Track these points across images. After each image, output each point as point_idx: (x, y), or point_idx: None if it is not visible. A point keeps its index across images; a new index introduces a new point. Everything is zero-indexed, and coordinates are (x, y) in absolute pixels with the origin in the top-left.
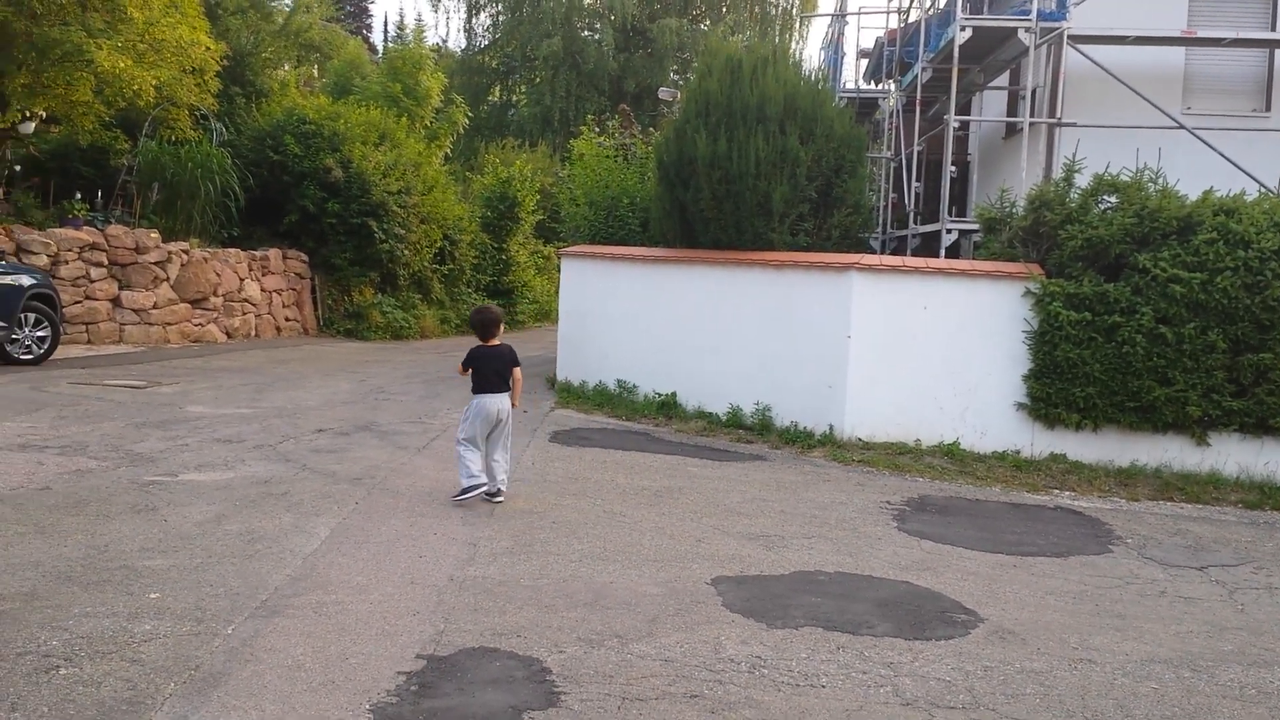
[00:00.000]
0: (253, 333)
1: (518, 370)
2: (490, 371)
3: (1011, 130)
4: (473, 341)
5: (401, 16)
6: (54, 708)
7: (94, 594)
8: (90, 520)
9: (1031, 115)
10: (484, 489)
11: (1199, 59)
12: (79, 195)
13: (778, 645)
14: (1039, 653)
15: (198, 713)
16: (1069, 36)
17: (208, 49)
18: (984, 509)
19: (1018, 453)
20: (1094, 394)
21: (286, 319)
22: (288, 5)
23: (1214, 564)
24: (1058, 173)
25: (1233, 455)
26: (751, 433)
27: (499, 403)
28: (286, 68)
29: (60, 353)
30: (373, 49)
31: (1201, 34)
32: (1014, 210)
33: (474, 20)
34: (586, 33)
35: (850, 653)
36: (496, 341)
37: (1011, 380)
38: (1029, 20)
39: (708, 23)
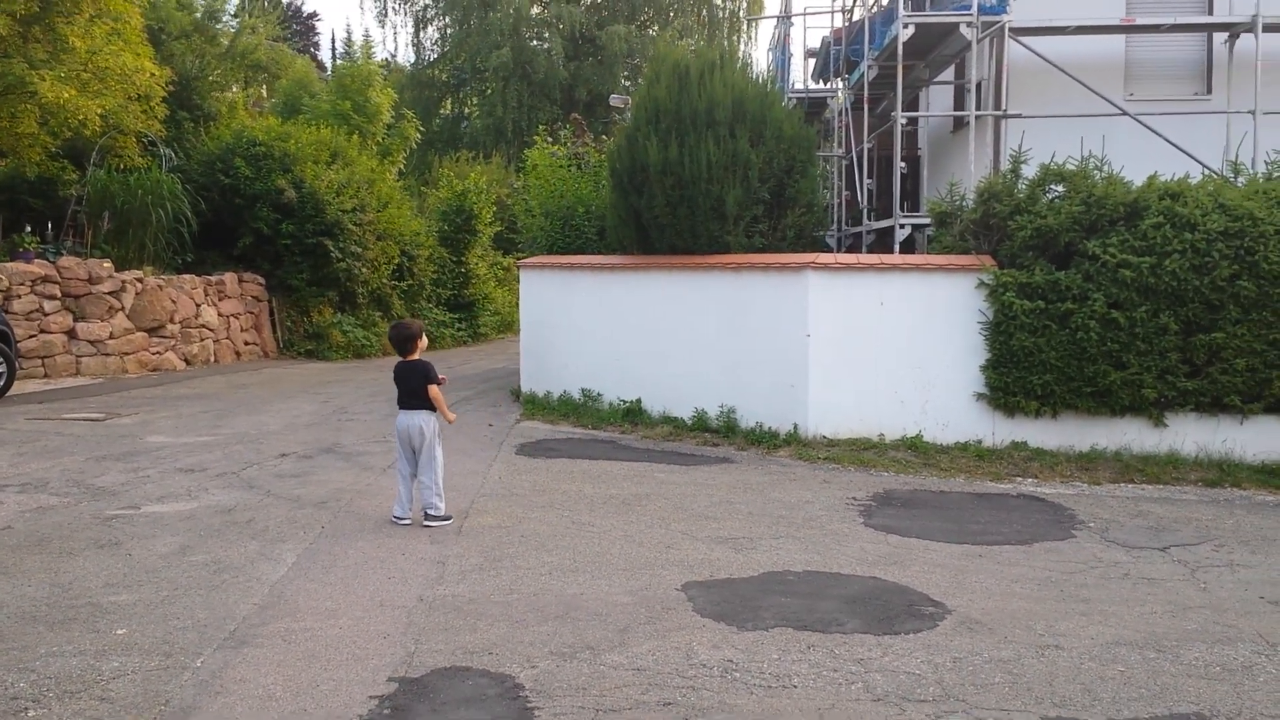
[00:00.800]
0: (212, 358)
1: (433, 388)
2: (404, 389)
3: (959, 124)
4: (436, 357)
5: (349, 33)
6: None
7: (60, 633)
8: (53, 558)
9: (977, 108)
10: (401, 521)
11: (1139, 46)
12: (29, 228)
13: (749, 648)
14: (1006, 641)
15: None
16: (1010, 29)
17: (152, 75)
18: (949, 500)
19: (980, 442)
20: (1051, 381)
21: (246, 343)
22: (233, 27)
23: (1176, 543)
24: (1005, 164)
25: (1190, 435)
26: (717, 435)
27: (409, 420)
28: (234, 89)
29: (16, 388)
30: (321, 67)
31: (1140, 21)
32: (964, 203)
33: (422, 34)
34: (535, 42)
35: (821, 651)
36: (416, 356)
37: (970, 371)
38: (970, 15)
39: (656, 28)
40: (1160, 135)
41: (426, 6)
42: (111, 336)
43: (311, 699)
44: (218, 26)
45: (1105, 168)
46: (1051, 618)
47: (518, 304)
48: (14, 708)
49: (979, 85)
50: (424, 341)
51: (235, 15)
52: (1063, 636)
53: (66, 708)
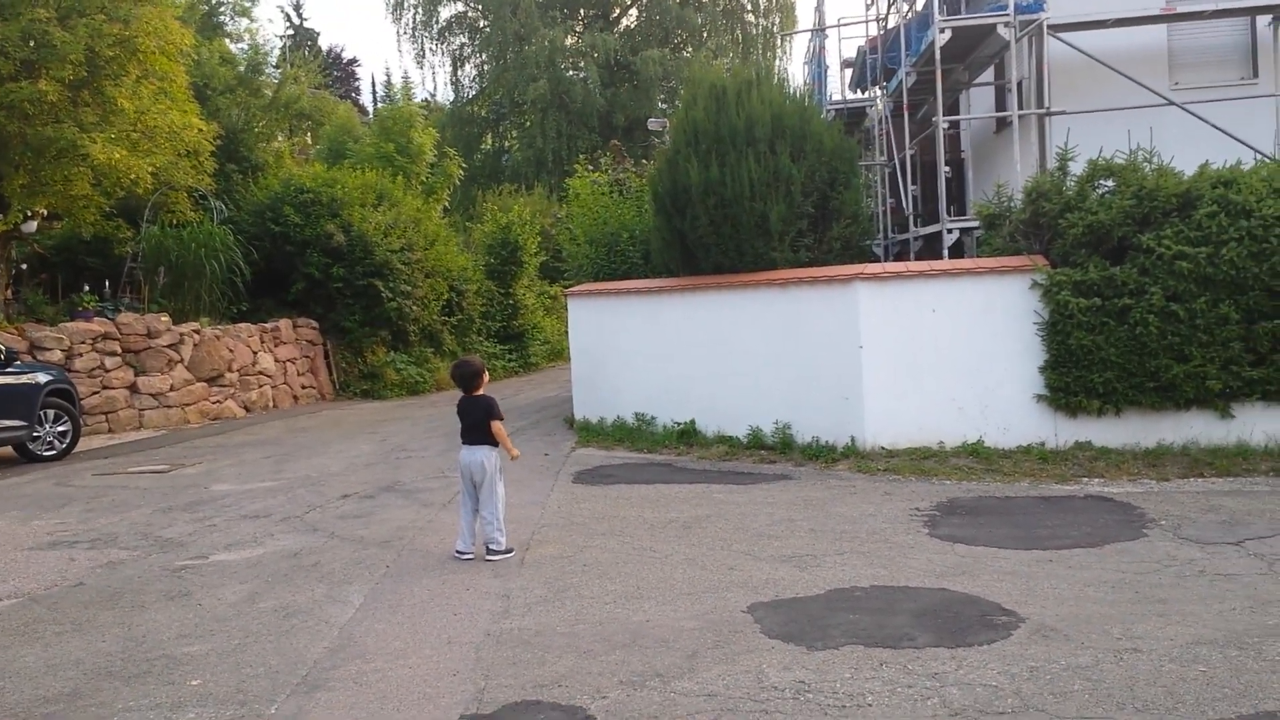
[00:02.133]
0: (270, 404)
1: (496, 424)
2: (467, 425)
3: (1002, 124)
4: (488, 389)
5: (389, 76)
6: None
7: (136, 687)
8: (125, 612)
9: (1020, 108)
10: (464, 556)
11: (1182, 34)
12: (87, 287)
13: (820, 668)
14: (1083, 647)
15: None
16: (1048, 26)
17: (200, 130)
18: (1014, 506)
19: (1042, 445)
20: (1112, 378)
21: (303, 386)
22: (275, 78)
23: (1250, 537)
24: (1051, 162)
25: (1258, 424)
26: (774, 452)
27: (470, 455)
28: (280, 139)
29: (82, 445)
30: (363, 110)
31: (1181, 9)
32: (1012, 204)
33: (460, 72)
34: (571, 72)
35: (894, 668)
36: (480, 392)
37: (1028, 373)
38: (1007, 15)
39: (690, 50)
40: (1208, 123)
41: (463, 45)
42: (172, 388)
43: None
44: (261, 79)
45: (1155, 159)
46: (1128, 620)
47: (566, 332)
48: None
49: (1020, 84)
50: (486, 378)
51: (277, 66)
52: (1141, 639)
53: None
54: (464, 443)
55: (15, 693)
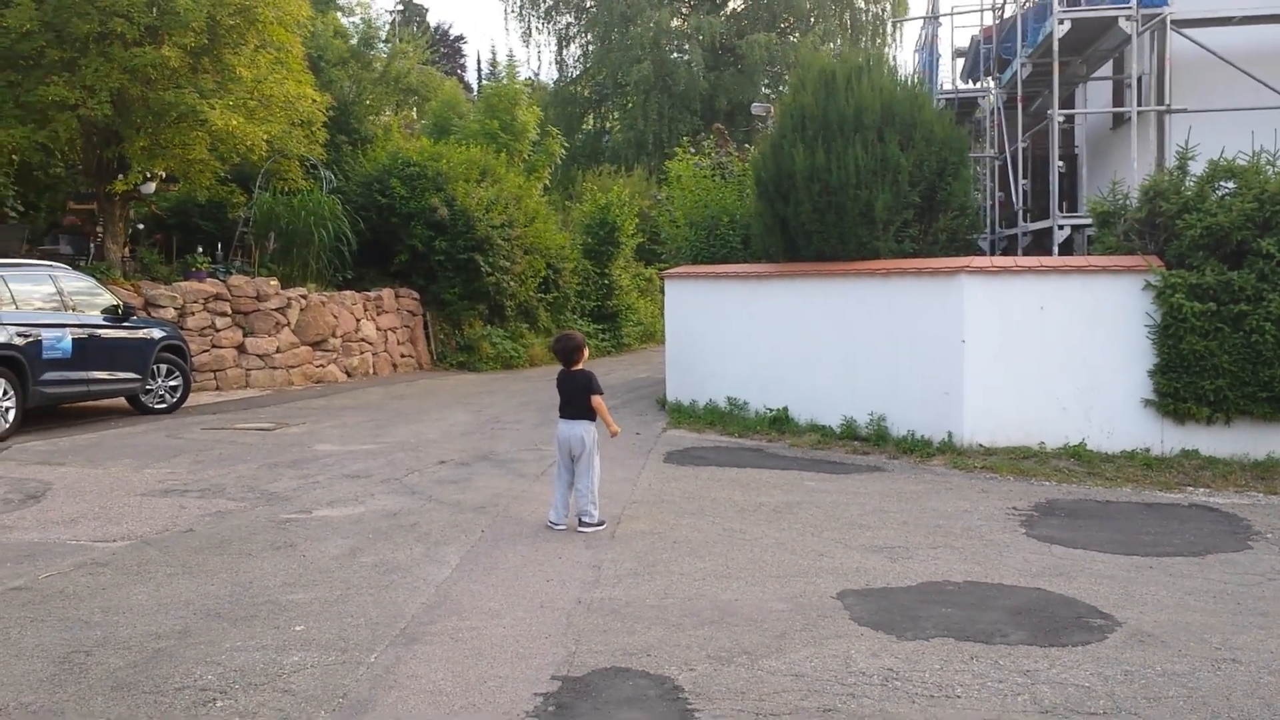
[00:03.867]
0: (370, 370)
1: (597, 399)
2: (566, 399)
3: (1119, 120)
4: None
5: (494, 54)
6: None
7: (243, 629)
8: (233, 559)
9: (1139, 104)
10: (556, 527)
11: None
12: (200, 249)
13: (909, 657)
14: (1180, 655)
15: None
16: (1172, 21)
17: (314, 101)
18: (1115, 510)
19: (1147, 451)
20: (1224, 386)
21: (402, 355)
22: (385, 53)
23: None
24: (1170, 161)
25: None
26: (867, 444)
27: (569, 429)
28: (388, 113)
29: (191, 400)
30: (468, 88)
31: None
32: (1127, 202)
33: (564, 52)
34: (675, 54)
35: (984, 662)
36: (579, 367)
37: (1136, 377)
38: (1130, 8)
39: (797, 35)
40: None
41: (569, 25)
42: (278, 350)
43: (480, 694)
44: (372, 53)
45: (1278, 163)
46: (1227, 631)
47: (660, 314)
48: (202, 699)
49: (1139, 80)
50: (586, 353)
51: (387, 40)
52: (1240, 650)
53: (251, 699)
54: (562, 416)
55: (128, 627)
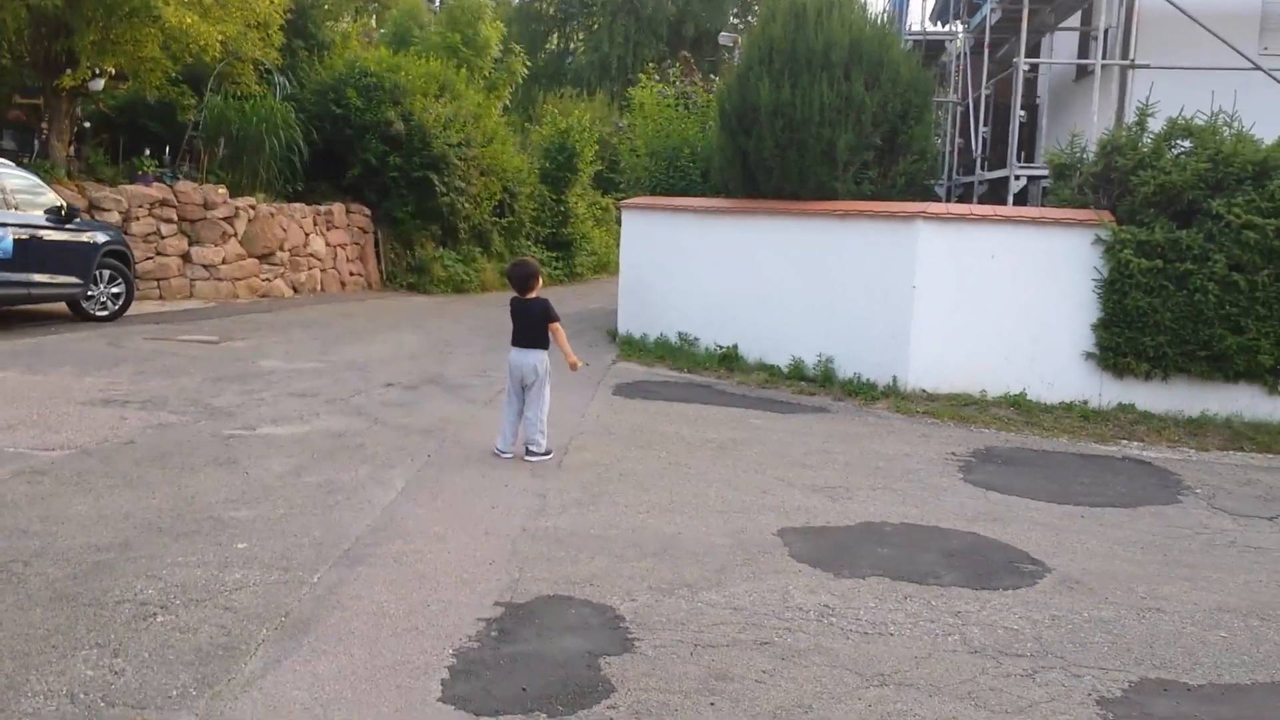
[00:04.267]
0: (318, 287)
1: (556, 327)
2: (520, 327)
3: (1082, 72)
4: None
5: None
6: (154, 653)
7: (184, 544)
8: (175, 473)
9: (1103, 57)
10: (503, 455)
11: None
12: (148, 151)
13: (845, 594)
14: (1107, 602)
15: (290, 657)
16: None
17: (272, 3)
18: (1051, 460)
19: (1085, 403)
20: (1164, 343)
21: (351, 273)
22: None
23: None
24: (1130, 116)
25: None
26: (814, 384)
27: (522, 358)
28: (346, 19)
29: (134, 308)
30: None
31: None
32: (1085, 155)
33: None
34: None
35: (918, 602)
36: (534, 295)
37: (1080, 329)
38: None
39: None
40: None
41: None
42: (224, 261)
43: (423, 617)
44: None
45: (1235, 124)
46: (1154, 581)
47: (615, 244)
48: (143, 613)
49: (1106, 33)
50: (541, 281)
51: None
52: (1165, 600)
53: (193, 615)
54: (515, 344)
55: (67, 539)
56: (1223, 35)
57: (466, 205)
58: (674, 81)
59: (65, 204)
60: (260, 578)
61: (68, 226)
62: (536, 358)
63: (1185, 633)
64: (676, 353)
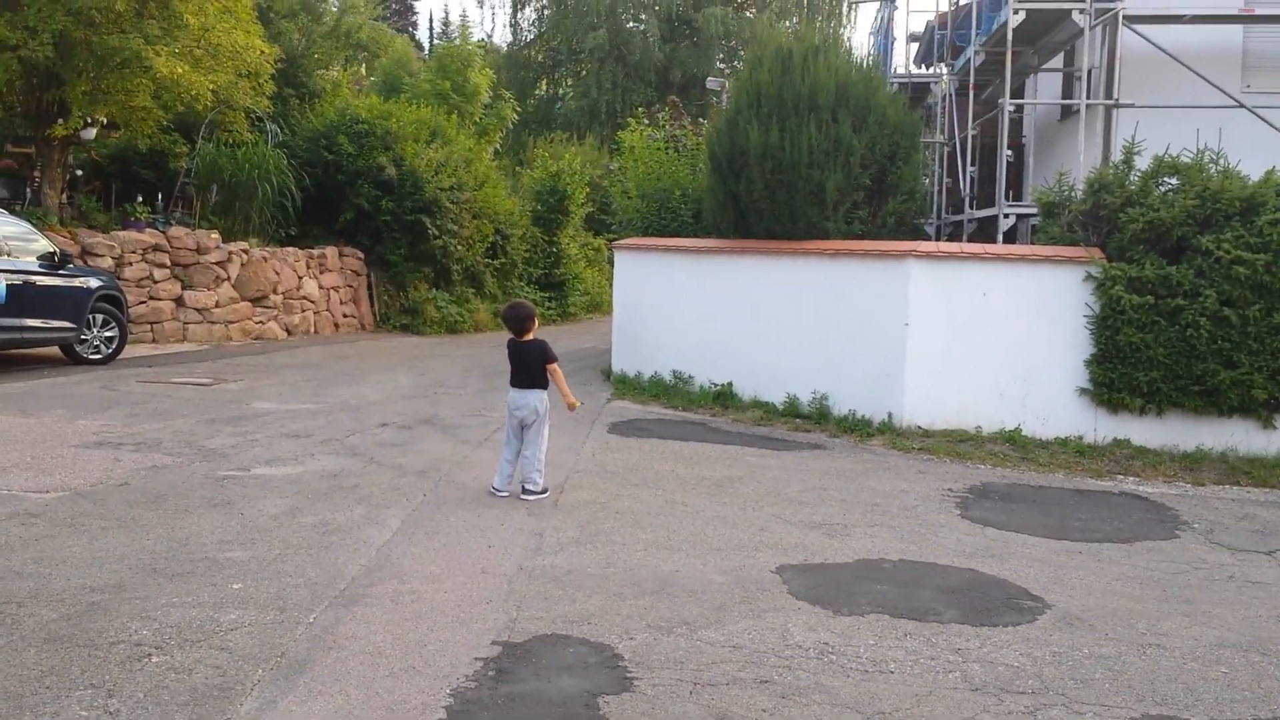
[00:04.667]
0: (312, 329)
1: (554, 368)
2: (519, 368)
3: (1067, 112)
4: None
5: (446, 13)
6: (149, 694)
7: (179, 585)
8: (169, 514)
9: (1088, 97)
10: (499, 494)
11: (1258, 36)
12: (140, 198)
13: (845, 632)
14: (1107, 638)
15: (286, 698)
16: (1124, 17)
17: (262, 52)
18: (1048, 495)
19: (1080, 439)
20: (1157, 378)
21: (344, 315)
22: (336, 6)
23: None
24: (1116, 155)
25: None
26: (809, 422)
27: (522, 398)
28: (337, 68)
29: (127, 352)
30: (419, 46)
31: (1260, 11)
32: (1072, 194)
33: (519, 15)
34: (631, 24)
35: (918, 639)
36: (530, 337)
37: (1073, 366)
38: (1083, 2)
39: (753, 11)
40: (1278, 129)
41: None
42: (217, 305)
43: (420, 657)
44: (323, 4)
45: (1221, 161)
46: (1154, 617)
47: (608, 284)
48: (137, 654)
49: (1090, 73)
50: (537, 323)
51: None
52: (1165, 636)
53: (188, 655)
54: (514, 385)
55: (62, 580)
56: (1205, 74)
57: (459, 247)
58: (663, 125)
59: (58, 250)
60: (255, 618)
61: (61, 272)
62: (536, 398)
63: (1186, 669)
64: (671, 391)
